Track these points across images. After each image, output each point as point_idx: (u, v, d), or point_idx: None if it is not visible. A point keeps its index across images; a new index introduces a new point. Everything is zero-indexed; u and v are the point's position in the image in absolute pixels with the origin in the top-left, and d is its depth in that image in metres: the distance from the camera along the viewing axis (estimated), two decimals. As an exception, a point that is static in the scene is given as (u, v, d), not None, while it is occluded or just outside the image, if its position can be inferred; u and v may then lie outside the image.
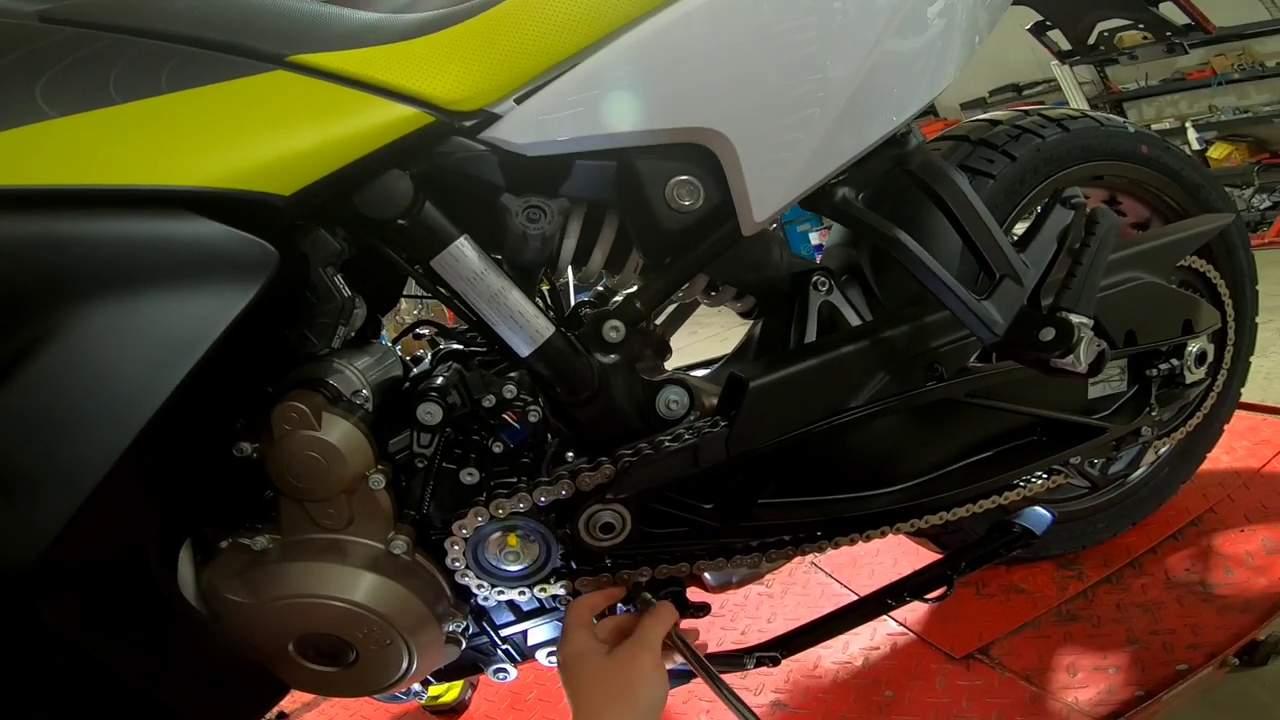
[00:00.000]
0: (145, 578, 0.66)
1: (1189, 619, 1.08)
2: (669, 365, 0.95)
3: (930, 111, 4.99)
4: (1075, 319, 0.73)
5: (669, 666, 0.89)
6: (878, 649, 1.21)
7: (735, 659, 0.89)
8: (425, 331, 1.06)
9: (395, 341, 1.04)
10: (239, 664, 0.73)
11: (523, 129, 0.69)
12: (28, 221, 0.54)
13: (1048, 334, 0.73)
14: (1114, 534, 1.29)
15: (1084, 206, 0.82)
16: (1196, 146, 4.13)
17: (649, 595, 0.81)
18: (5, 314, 0.54)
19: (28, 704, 0.62)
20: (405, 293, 1.01)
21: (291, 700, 1.47)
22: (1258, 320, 1.27)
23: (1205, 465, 1.35)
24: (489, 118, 0.69)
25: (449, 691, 1.34)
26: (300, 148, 0.61)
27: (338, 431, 0.72)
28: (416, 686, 0.92)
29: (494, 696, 1.36)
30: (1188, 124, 4.26)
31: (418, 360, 0.93)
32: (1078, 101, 4.33)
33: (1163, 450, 1.29)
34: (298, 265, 0.69)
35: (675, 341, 1.01)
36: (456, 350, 0.92)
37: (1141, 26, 1.22)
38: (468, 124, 0.69)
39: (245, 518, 0.76)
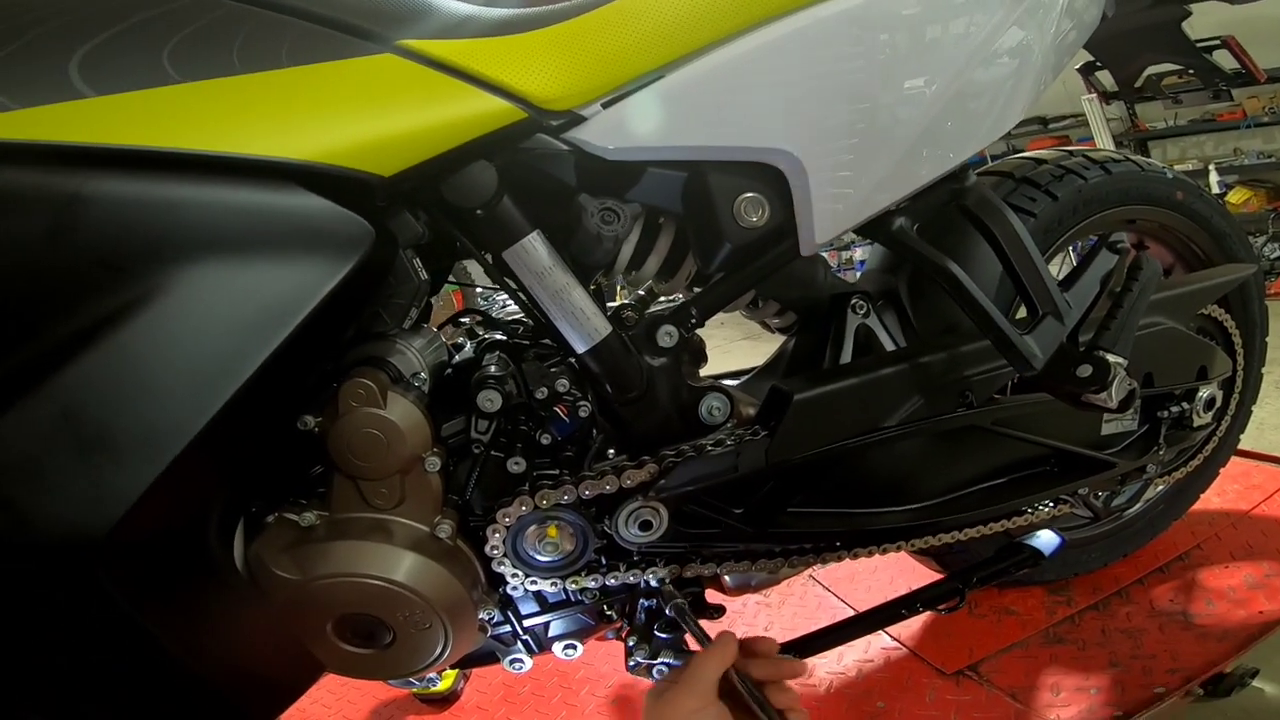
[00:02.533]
0: (204, 549, 0.66)
1: (1169, 645, 1.13)
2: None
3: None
4: (1112, 359, 0.77)
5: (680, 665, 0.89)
6: (871, 661, 1.25)
7: None
8: (467, 320, 1.07)
9: (441, 327, 1.05)
10: (278, 643, 0.73)
11: (607, 133, 0.70)
12: (143, 182, 0.55)
13: (1084, 370, 0.77)
14: (1105, 563, 1.34)
15: (1128, 252, 0.85)
16: (1217, 190, 4.16)
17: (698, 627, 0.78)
18: (110, 272, 0.54)
19: (68, 667, 0.62)
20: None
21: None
22: (1264, 372, 1.32)
23: (1197, 505, 1.40)
24: (575, 119, 0.70)
25: (443, 680, 1.33)
26: (402, 131, 0.62)
27: (400, 410, 0.72)
28: (432, 673, 0.93)
29: (486, 688, 1.37)
30: (1211, 166, 4.30)
31: (459, 348, 0.95)
32: (1104, 138, 4.34)
33: (1159, 488, 1.34)
34: (388, 245, 0.69)
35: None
36: (501, 341, 0.94)
37: (1191, 73, 1.25)
38: (555, 123, 0.69)
39: (291, 493, 0.77)
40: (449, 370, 0.86)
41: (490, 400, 0.76)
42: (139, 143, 0.54)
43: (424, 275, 0.74)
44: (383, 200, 0.68)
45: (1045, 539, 0.97)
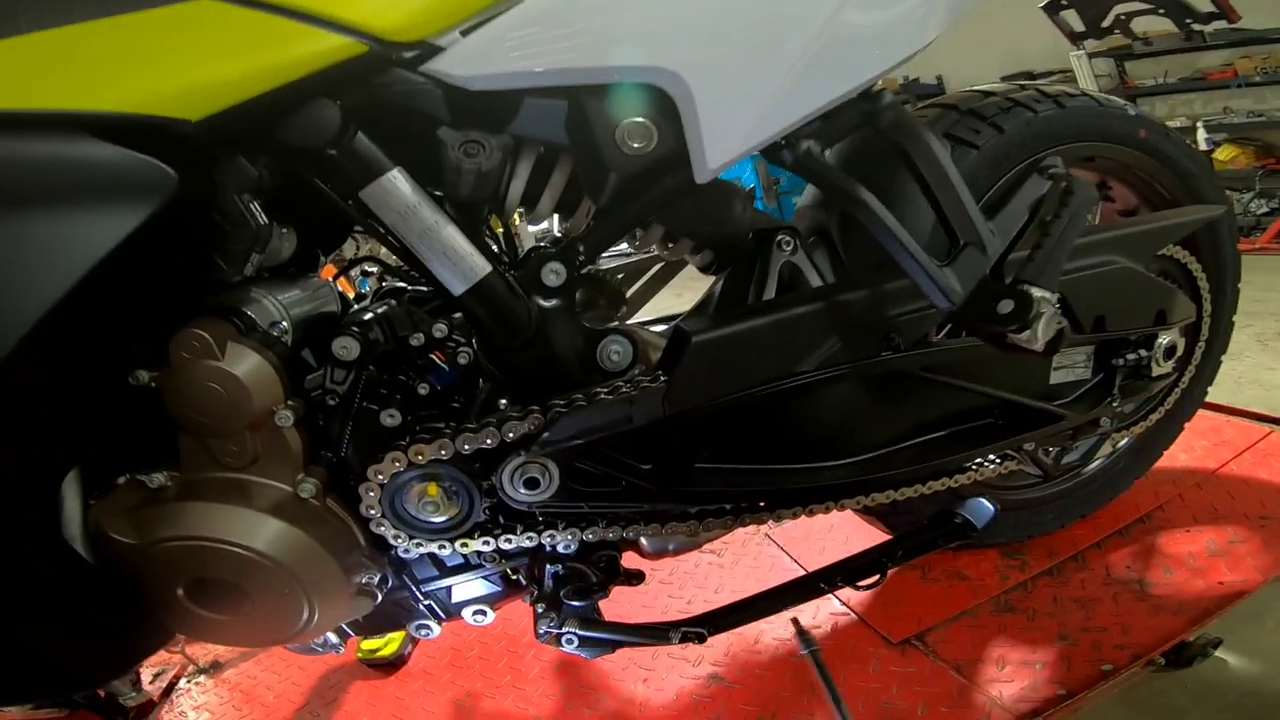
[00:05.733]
0: (13, 511, 0.61)
1: (1121, 618, 1.10)
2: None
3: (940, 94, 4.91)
4: (1036, 293, 0.69)
5: (590, 635, 0.86)
6: (819, 627, 1.22)
7: (661, 632, 0.86)
8: (373, 269, 1.00)
9: (336, 278, 0.99)
10: (119, 607, 0.68)
11: (467, 62, 0.66)
12: None
13: (1005, 306, 0.69)
14: (1062, 525, 1.29)
15: (1061, 178, 0.77)
16: (1204, 146, 4.08)
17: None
18: None
19: None
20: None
21: (230, 649, 1.44)
22: (1234, 321, 1.25)
23: (1161, 462, 1.34)
24: (431, 49, 0.66)
25: (387, 645, 1.32)
26: (216, 75, 0.60)
27: (243, 363, 0.67)
28: (332, 638, 0.88)
29: (435, 653, 1.34)
30: (1199, 124, 4.22)
31: (362, 299, 0.88)
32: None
33: (1120, 444, 1.28)
34: (202, 190, 0.67)
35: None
36: (399, 289, 0.87)
37: (1162, 12, 1.17)
38: (408, 55, 0.66)
39: (149, 454, 0.71)
40: (353, 323, 0.80)
41: (345, 348, 0.70)
42: None
43: (263, 220, 0.70)
44: (199, 146, 0.63)
45: (977, 507, 0.90)
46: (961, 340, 0.81)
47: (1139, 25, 1.32)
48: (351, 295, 0.94)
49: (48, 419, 0.63)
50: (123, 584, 0.67)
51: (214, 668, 1.42)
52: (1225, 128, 4.17)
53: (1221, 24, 1.23)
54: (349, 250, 1.18)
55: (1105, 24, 1.29)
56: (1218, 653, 1.01)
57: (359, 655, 1.31)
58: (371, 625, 0.90)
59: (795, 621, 1.15)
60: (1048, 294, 0.70)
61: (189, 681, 1.41)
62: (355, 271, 1.07)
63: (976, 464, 0.95)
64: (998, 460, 0.97)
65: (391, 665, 1.32)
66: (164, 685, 1.39)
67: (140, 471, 0.70)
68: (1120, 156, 1.10)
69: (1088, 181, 0.78)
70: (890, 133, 0.76)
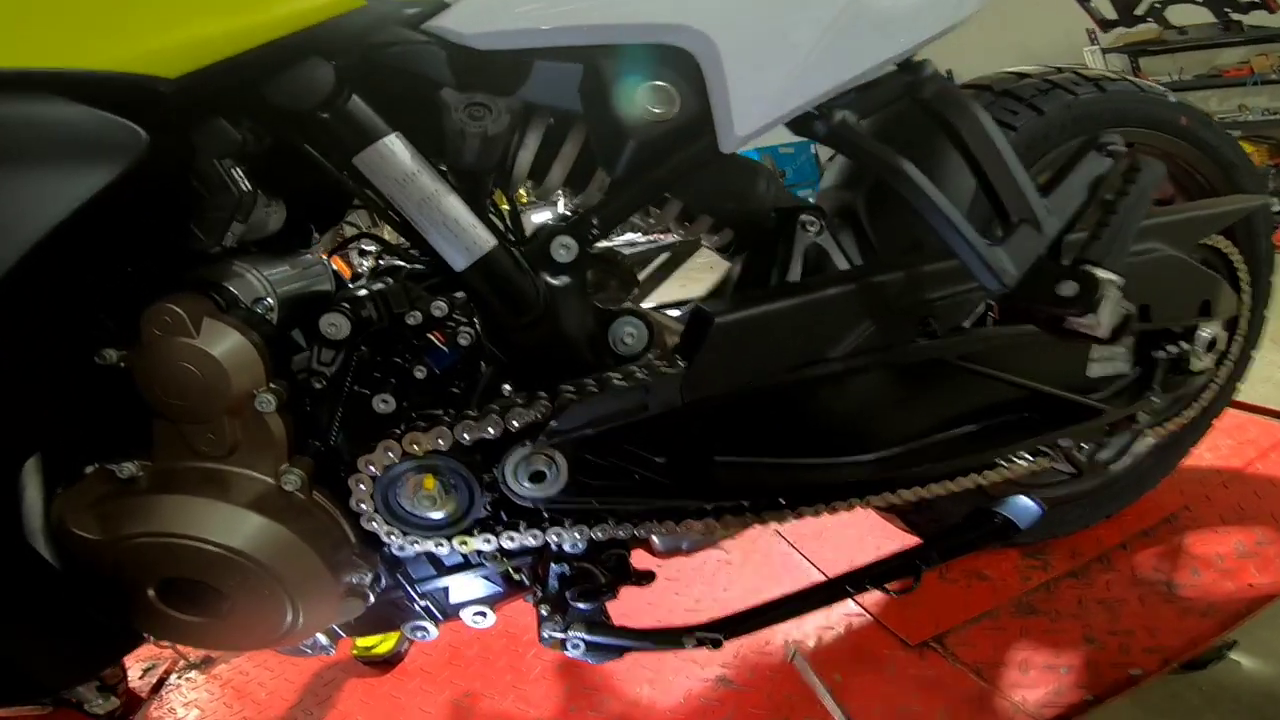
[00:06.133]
0: None
1: (1148, 620, 1.06)
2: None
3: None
4: (1102, 274, 0.63)
5: (598, 640, 0.80)
6: (832, 629, 1.17)
7: (674, 637, 0.80)
8: (372, 248, 0.94)
9: (331, 255, 0.93)
10: (83, 608, 0.63)
11: (474, 19, 0.62)
12: None
13: (1068, 289, 0.63)
14: (1087, 525, 1.24)
15: (1122, 156, 0.71)
16: None
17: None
18: None
19: None
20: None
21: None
22: (1266, 315, 1.20)
23: (1187, 461, 1.30)
24: (434, 5, 0.63)
25: (383, 643, 1.27)
26: (196, 31, 0.56)
27: (221, 341, 0.61)
28: (322, 639, 0.83)
29: (432, 650, 1.29)
30: (1213, 121, 4.23)
31: (359, 277, 0.82)
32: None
33: (1149, 440, 1.23)
34: (180, 153, 0.62)
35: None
36: (397, 267, 0.81)
37: (1200, 1, 1.12)
38: (409, 11, 0.63)
39: (119, 441, 0.66)
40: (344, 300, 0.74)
41: (334, 325, 0.64)
42: None
43: (245, 186, 0.65)
44: (176, 106, 0.58)
45: (1021, 507, 0.84)
46: (1008, 328, 0.75)
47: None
48: (349, 276, 0.88)
49: (2, 399, 0.56)
50: (88, 583, 0.61)
51: (205, 663, 1.37)
52: (1240, 125, 4.17)
53: (1261, 14, 1.18)
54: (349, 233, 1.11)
55: (1139, 12, 1.24)
56: (1232, 654, 0.97)
57: (354, 652, 1.26)
58: (363, 626, 0.84)
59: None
60: (1113, 276, 0.64)
61: (179, 677, 1.36)
62: (354, 252, 1.01)
63: (1009, 460, 0.90)
64: (1031, 457, 0.91)
65: (388, 663, 1.28)
66: (153, 681, 1.34)
67: (109, 460, 0.64)
68: (1161, 144, 1.05)
69: (1155, 160, 0.72)
70: (933, 104, 0.71)
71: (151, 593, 0.62)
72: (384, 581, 0.78)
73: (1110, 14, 1.27)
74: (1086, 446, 0.97)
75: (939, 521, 1.07)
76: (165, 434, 0.63)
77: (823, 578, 1.30)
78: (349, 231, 0.99)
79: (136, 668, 1.36)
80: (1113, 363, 0.92)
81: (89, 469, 0.65)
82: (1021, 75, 0.99)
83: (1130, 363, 0.93)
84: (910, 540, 1.13)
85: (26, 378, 0.58)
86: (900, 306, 0.72)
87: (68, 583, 0.61)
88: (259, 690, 1.29)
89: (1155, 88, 1.06)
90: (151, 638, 0.67)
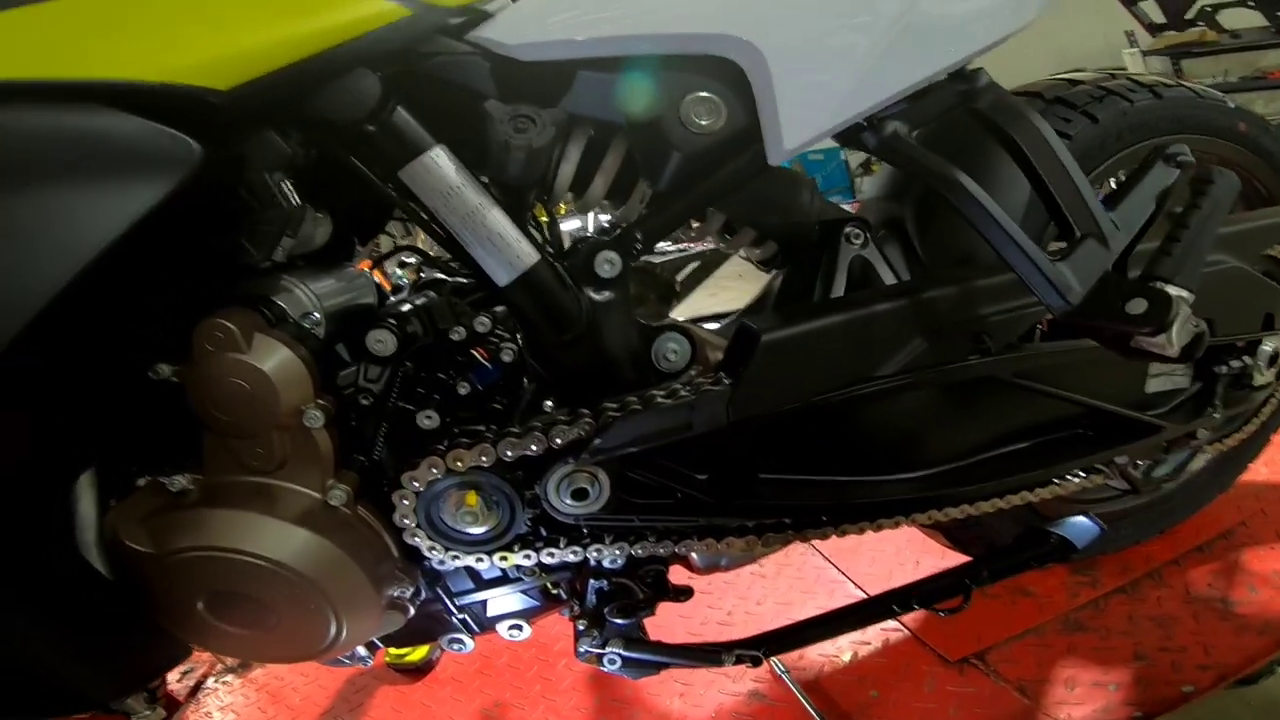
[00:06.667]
0: (22, 516, 0.56)
1: (1203, 637, 1.02)
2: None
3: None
4: (1174, 291, 0.60)
5: (635, 656, 0.79)
6: (868, 644, 1.14)
7: (713, 654, 0.79)
8: (411, 260, 0.94)
9: (373, 268, 0.93)
10: (133, 620, 0.63)
11: (517, 29, 0.62)
12: None
13: (1137, 306, 0.60)
14: (1138, 541, 1.20)
15: (1191, 166, 0.68)
16: None
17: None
18: None
19: None
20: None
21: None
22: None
23: (1244, 476, 1.25)
24: (479, 15, 0.63)
25: (415, 651, 1.27)
26: (248, 41, 0.56)
27: (271, 356, 0.61)
28: (361, 651, 0.83)
29: (463, 659, 1.29)
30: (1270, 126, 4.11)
31: (400, 290, 0.82)
32: (1146, 94, 4.17)
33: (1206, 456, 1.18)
34: (229, 165, 0.62)
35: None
36: (439, 280, 0.81)
37: (1252, 4, 1.08)
38: (454, 21, 0.63)
39: (172, 455, 0.66)
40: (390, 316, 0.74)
41: (380, 341, 0.64)
42: None
43: (295, 200, 0.65)
44: (228, 118, 0.58)
45: (1078, 527, 0.81)
46: (1067, 344, 0.72)
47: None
48: (389, 289, 0.88)
49: (57, 413, 0.58)
50: (138, 595, 0.62)
51: (241, 667, 1.40)
52: (1281, 129, 4.04)
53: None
54: (385, 245, 1.12)
55: (1189, 16, 1.19)
56: (1283, 670, 0.93)
57: (386, 660, 1.27)
58: (401, 637, 0.84)
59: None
60: (1185, 293, 0.61)
61: (216, 681, 1.38)
62: (393, 264, 1.02)
63: (1063, 478, 0.87)
64: (1085, 474, 0.88)
65: (419, 671, 1.28)
66: (191, 684, 1.37)
67: (161, 473, 0.65)
68: (1219, 150, 1.01)
69: (1228, 170, 0.69)
70: (990, 114, 0.68)
71: (200, 605, 0.63)
72: (423, 595, 0.78)
73: (1158, 18, 1.22)
74: (1142, 463, 0.94)
75: (985, 538, 1.04)
76: (215, 448, 0.64)
77: (857, 592, 1.28)
78: (385, 242, 0.99)
79: (175, 671, 1.39)
80: (1172, 377, 0.88)
81: (141, 481, 0.66)
82: (1073, 82, 0.96)
83: (1190, 377, 0.90)
84: (950, 556, 1.10)
85: (82, 393, 0.59)
86: (953, 322, 0.70)
87: (120, 594, 0.61)
88: (293, 695, 1.30)
89: (1212, 93, 1.02)
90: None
